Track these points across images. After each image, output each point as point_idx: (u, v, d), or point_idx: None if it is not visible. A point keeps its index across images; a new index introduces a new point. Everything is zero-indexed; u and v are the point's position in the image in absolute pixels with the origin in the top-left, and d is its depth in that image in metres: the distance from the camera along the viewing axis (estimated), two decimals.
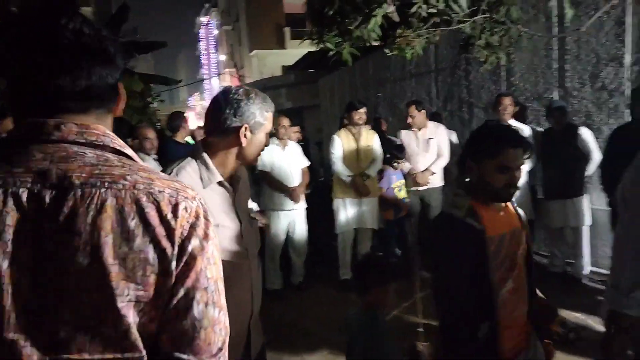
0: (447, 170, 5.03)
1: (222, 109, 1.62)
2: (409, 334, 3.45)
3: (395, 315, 4.07)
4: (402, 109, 7.59)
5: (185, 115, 5.25)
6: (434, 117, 5.46)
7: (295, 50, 18.96)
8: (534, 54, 4.98)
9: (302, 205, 4.64)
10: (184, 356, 0.78)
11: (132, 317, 0.75)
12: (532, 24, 4.88)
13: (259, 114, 1.65)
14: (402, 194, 4.85)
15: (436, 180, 4.97)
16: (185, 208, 0.80)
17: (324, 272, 5.07)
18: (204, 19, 47.14)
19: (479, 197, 1.66)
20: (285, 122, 4.61)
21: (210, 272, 0.81)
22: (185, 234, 0.79)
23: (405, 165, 4.91)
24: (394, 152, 4.82)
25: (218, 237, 1.38)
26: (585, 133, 4.17)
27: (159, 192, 0.79)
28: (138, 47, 11.55)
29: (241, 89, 1.67)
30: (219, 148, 1.66)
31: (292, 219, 4.56)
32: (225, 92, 1.68)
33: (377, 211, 4.77)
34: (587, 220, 4.28)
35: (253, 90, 1.69)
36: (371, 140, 4.74)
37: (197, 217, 0.81)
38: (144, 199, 0.77)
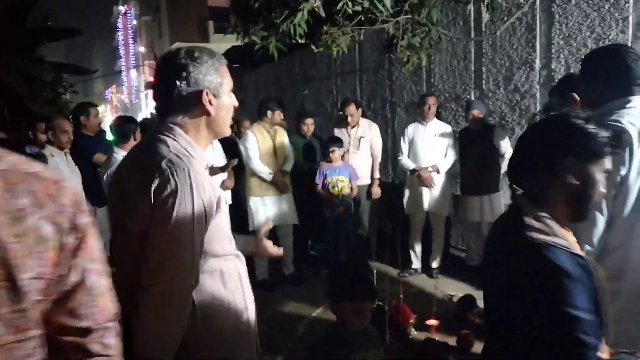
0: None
1: (171, 81, 1.35)
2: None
3: (321, 311, 4.08)
4: (328, 107, 7.68)
5: (93, 105, 4.88)
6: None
7: (219, 45, 18.51)
8: (453, 56, 5.19)
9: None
10: (83, 324, 0.83)
11: (33, 294, 0.75)
12: (451, 27, 5.08)
13: (214, 72, 1.38)
14: (338, 190, 4.71)
15: (366, 177, 5.02)
16: (67, 187, 0.83)
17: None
18: (122, 8, 44.89)
19: (559, 218, 1.28)
20: None
21: (97, 244, 0.87)
22: (74, 210, 0.82)
23: (345, 156, 4.82)
24: (327, 142, 4.78)
25: (221, 220, 1.44)
26: (501, 132, 4.40)
27: (40, 172, 0.80)
28: (48, 33, 10.75)
29: (182, 51, 1.38)
30: (187, 126, 1.39)
31: None
32: (166, 61, 1.40)
33: (294, 206, 4.75)
34: None
35: (195, 48, 1.41)
36: (283, 136, 4.77)
37: (77, 194, 0.85)
38: (29, 178, 0.78)
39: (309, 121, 5.17)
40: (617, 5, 3.65)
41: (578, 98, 1.99)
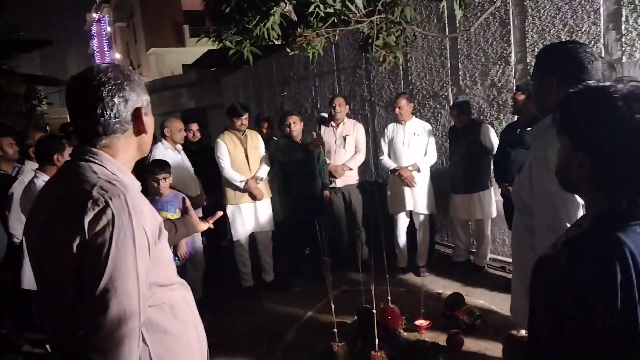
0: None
1: (101, 101, 1.22)
2: (324, 334, 3.46)
3: (309, 316, 4.04)
4: (308, 108, 7.63)
5: None
6: None
7: (196, 48, 18.37)
8: (429, 53, 5.18)
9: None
10: None
11: None
12: (425, 25, 5.08)
13: (143, 90, 1.32)
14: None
15: (353, 177, 5.02)
16: None
17: (224, 283, 4.94)
18: (95, 15, 44.19)
19: None
20: (179, 124, 4.59)
21: None
22: None
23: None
24: (152, 168, 3.80)
25: (163, 246, 1.36)
26: (487, 128, 4.37)
27: None
28: (17, 45, 10.53)
29: (110, 69, 1.26)
30: (115, 149, 1.28)
31: None
32: (89, 81, 1.23)
33: (271, 212, 4.70)
34: (493, 212, 4.49)
35: (120, 66, 1.31)
36: (257, 142, 4.68)
37: None
38: None
39: (292, 119, 4.71)
40: None
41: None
